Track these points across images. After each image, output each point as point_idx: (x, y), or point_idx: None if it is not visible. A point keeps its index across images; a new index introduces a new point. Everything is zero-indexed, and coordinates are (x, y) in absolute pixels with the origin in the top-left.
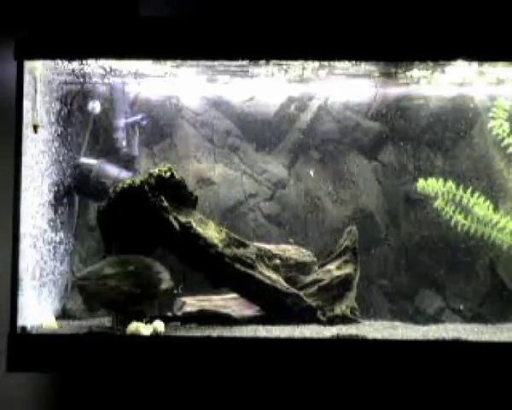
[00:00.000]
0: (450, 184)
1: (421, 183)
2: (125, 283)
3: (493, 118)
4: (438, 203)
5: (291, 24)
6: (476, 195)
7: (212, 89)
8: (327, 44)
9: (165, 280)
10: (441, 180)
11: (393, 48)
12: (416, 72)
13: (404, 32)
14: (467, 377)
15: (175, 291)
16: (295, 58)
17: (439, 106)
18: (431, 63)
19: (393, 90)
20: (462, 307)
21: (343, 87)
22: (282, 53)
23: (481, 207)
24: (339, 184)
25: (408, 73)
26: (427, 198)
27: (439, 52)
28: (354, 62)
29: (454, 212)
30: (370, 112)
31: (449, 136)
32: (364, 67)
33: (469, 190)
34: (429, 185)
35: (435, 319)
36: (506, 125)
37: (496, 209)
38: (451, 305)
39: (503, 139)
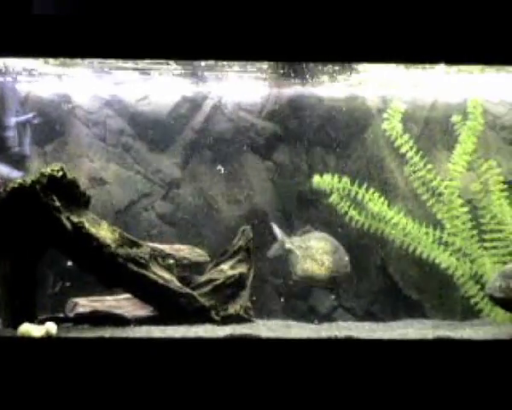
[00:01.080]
0: (345, 179)
1: (316, 179)
2: None
3: (387, 119)
4: (333, 198)
5: (184, 22)
6: (371, 191)
7: (105, 88)
8: (220, 44)
9: None
10: (336, 176)
11: (287, 48)
12: (312, 72)
13: (299, 33)
14: (359, 374)
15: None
16: (189, 58)
17: (332, 106)
18: (325, 65)
19: (287, 91)
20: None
21: (237, 87)
22: (175, 52)
23: (376, 203)
24: (233, 183)
25: (302, 74)
26: (321, 198)
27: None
28: (249, 62)
29: (349, 207)
30: (264, 112)
31: (342, 136)
32: (258, 67)
33: (364, 186)
34: (325, 181)
35: (328, 317)
36: (399, 126)
37: (389, 206)
38: (344, 304)
39: (395, 140)
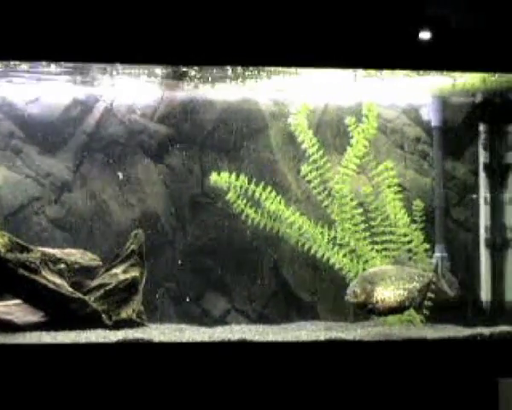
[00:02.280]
0: (242, 177)
1: (214, 176)
2: None
3: (293, 114)
4: (230, 196)
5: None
6: (268, 189)
7: None
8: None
9: None
10: (234, 174)
11: (179, 52)
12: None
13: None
14: (252, 377)
15: None
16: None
17: (225, 110)
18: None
19: (180, 94)
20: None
21: (129, 90)
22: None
23: (272, 201)
24: (125, 187)
25: (195, 78)
26: (214, 201)
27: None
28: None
29: (245, 205)
30: (156, 115)
31: (235, 139)
32: (151, 70)
33: (261, 185)
34: (222, 179)
35: (222, 320)
36: (305, 123)
37: (285, 206)
38: (237, 307)
39: (300, 135)
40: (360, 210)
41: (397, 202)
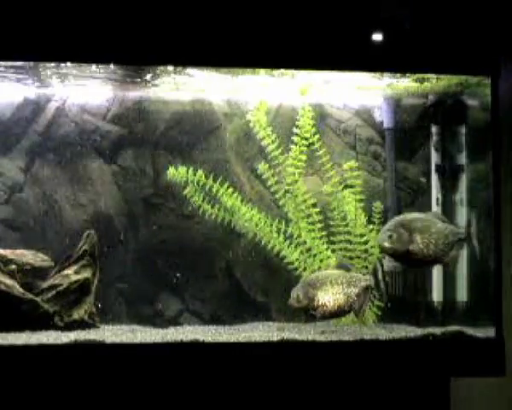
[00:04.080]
0: (200, 172)
1: (171, 170)
2: None
3: (252, 111)
4: (188, 190)
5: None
6: (225, 185)
7: None
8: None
9: None
10: (191, 169)
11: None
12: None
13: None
14: (206, 378)
15: None
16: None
17: (178, 110)
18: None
19: (133, 94)
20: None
21: (81, 90)
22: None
23: (230, 197)
24: (78, 187)
25: (147, 77)
26: (166, 201)
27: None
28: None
29: (203, 200)
30: (109, 115)
31: (188, 139)
32: (104, 69)
33: (219, 181)
34: (180, 173)
35: (174, 321)
36: (264, 119)
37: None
38: (190, 307)
39: (258, 132)
40: (317, 209)
41: (356, 202)
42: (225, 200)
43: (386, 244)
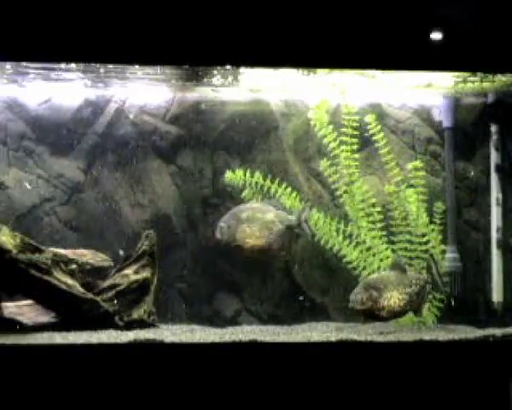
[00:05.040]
0: (257, 175)
1: (228, 174)
2: None
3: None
4: (245, 193)
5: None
6: (283, 186)
7: (6, 90)
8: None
9: None
10: (248, 172)
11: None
12: (215, 77)
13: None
14: (264, 377)
15: None
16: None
17: (236, 110)
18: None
19: (191, 95)
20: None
21: (141, 91)
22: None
23: (288, 197)
24: (137, 188)
25: (206, 79)
26: (225, 202)
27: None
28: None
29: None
30: (168, 116)
31: (246, 139)
32: (162, 71)
33: (276, 182)
34: (237, 176)
35: (233, 321)
36: (325, 117)
37: (301, 202)
38: (249, 307)
39: (320, 130)
40: (378, 208)
41: (419, 202)
42: (284, 201)
43: (218, 236)
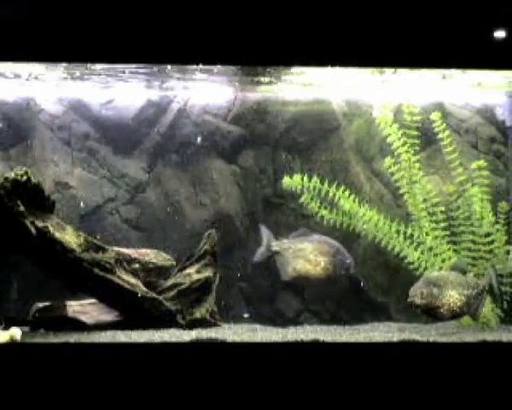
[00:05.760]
0: (315, 179)
1: (286, 179)
2: None
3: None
4: (304, 198)
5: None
6: (341, 189)
7: (70, 91)
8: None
9: None
10: (306, 176)
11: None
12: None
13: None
14: (325, 377)
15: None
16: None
17: (298, 110)
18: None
19: (253, 95)
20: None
21: (203, 91)
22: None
23: (347, 200)
24: (199, 187)
25: (267, 78)
26: (287, 201)
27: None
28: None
29: (320, 206)
30: (230, 116)
31: (307, 139)
32: (224, 70)
33: (335, 185)
34: (295, 181)
35: (294, 321)
36: (390, 117)
37: (361, 203)
38: (310, 307)
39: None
40: (441, 208)
41: (485, 201)
42: (343, 203)
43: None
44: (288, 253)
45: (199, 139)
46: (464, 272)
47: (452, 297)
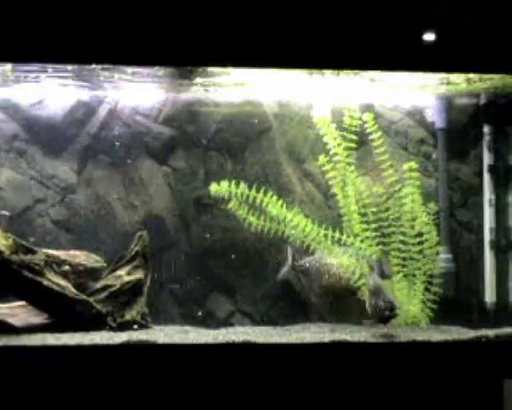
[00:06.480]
0: (242, 185)
1: (213, 186)
2: None
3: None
4: (232, 205)
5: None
6: (269, 194)
7: None
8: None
9: None
10: (234, 183)
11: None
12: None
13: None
14: (256, 378)
15: None
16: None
17: (229, 111)
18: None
19: (184, 96)
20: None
21: (133, 92)
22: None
23: (274, 206)
24: (129, 188)
25: (198, 79)
26: (219, 202)
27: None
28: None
29: (248, 212)
30: (161, 117)
31: (239, 141)
32: (154, 72)
33: (262, 191)
34: (222, 188)
35: (226, 322)
36: (328, 117)
37: (288, 209)
38: (241, 308)
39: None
40: (372, 209)
41: (416, 202)
42: (270, 209)
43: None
44: (315, 270)
45: (130, 140)
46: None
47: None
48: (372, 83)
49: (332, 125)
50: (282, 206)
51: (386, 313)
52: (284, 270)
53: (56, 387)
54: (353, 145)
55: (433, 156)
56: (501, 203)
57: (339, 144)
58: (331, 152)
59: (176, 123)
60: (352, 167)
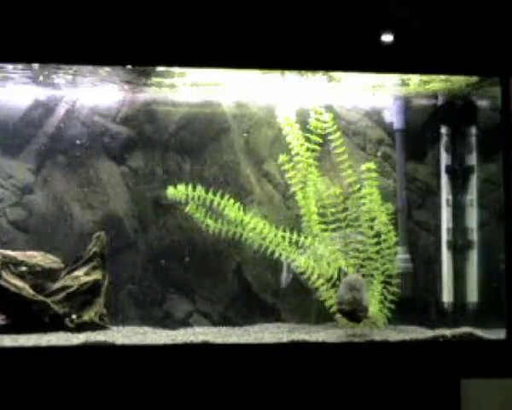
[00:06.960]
0: (199, 188)
1: (170, 190)
2: None
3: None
4: (189, 208)
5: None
6: (226, 197)
7: None
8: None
9: None
10: (191, 186)
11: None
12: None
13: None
14: (215, 379)
15: None
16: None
17: (188, 112)
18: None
19: (142, 95)
20: None
21: (91, 92)
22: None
23: (231, 209)
24: (87, 189)
25: (156, 79)
26: (178, 203)
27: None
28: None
29: (205, 215)
30: (119, 117)
31: (197, 141)
32: (113, 71)
33: (219, 193)
34: (179, 191)
35: (184, 323)
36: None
37: (245, 212)
38: (200, 309)
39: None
40: (331, 209)
41: (374, 202)
42: (227, 212)
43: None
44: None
45: (87, 140)
46: (345, 274)
47: (366, 301)
48: (331, 83)
49: (296, 125)
50: (239, 209)
51: (360, 314)
52: (285, 278)
53: (12, 389)
54: (317, 147)
55: (391, 157)
56: (458, 204)
57: (301, 144)
58: (293, 152)
59: (134, 123)
60: (313, 168)
